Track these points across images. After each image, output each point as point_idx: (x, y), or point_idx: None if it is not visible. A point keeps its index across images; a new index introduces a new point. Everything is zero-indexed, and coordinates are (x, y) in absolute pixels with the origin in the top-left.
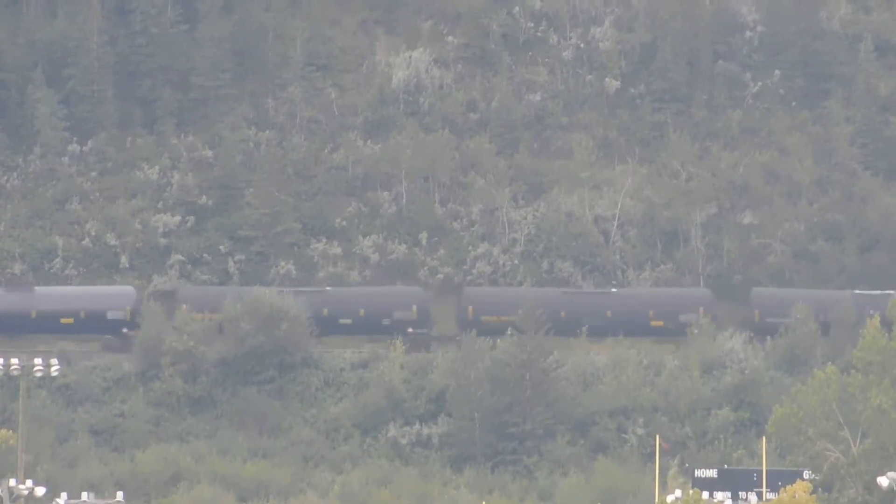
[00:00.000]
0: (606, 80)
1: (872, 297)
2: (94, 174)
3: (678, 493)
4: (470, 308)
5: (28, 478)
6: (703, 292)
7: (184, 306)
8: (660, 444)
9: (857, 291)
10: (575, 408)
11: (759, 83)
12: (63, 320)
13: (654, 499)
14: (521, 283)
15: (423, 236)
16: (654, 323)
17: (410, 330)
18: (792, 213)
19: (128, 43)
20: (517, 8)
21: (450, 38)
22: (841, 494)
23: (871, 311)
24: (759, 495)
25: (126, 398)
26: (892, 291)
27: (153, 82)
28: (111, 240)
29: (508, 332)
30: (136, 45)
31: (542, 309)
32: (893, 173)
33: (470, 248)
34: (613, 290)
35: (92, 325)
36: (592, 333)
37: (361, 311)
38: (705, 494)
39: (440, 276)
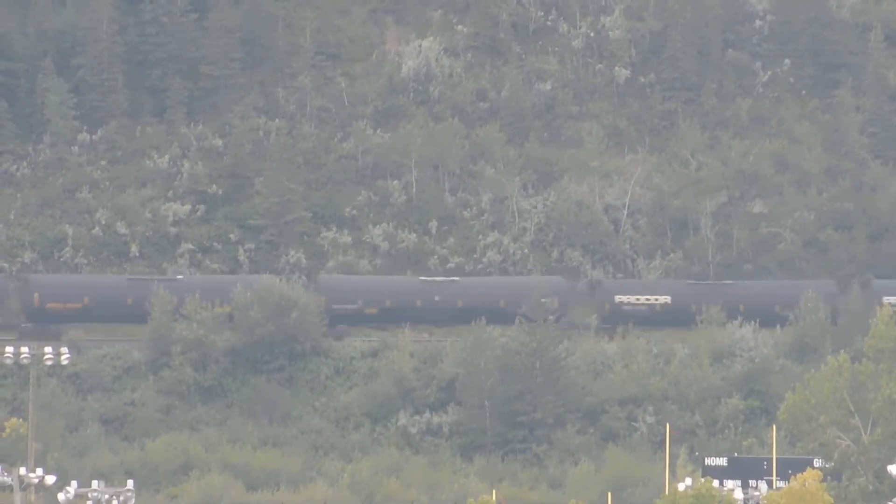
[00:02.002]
0: (616, 68)
1: (437, 283)
2: (103, 163)
3: (688, 481)
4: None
5: (38, 466)
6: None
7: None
8: (670, 431)
9: (423, 278)
10: (585, 396)
11: (769, 72)
12: None
13: (664, 487)
14: (530, 272)
15: (433, 225)
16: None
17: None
18: (801, 201)
19: (137, 32)
20: None
21: (459, 27)
22: (851, 482)
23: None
24: (769, 483)
25: (136, 387)
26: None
27: (163, 71)
28: (121, 228)
29: (518, 321)
30: (146, 34)
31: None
32: None
33: (480, 236)
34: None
35: None
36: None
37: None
38: (715, 483)
39: (450, 265)
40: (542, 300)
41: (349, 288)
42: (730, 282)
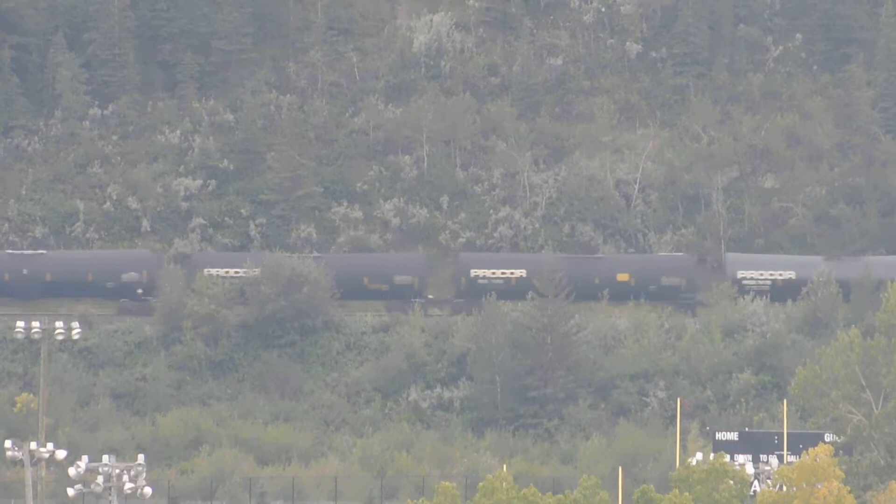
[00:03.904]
0: (628, 43)
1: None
2: (115, 138)
3: (699, 455)
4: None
5: (49, 441)
6: None
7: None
8: (681, 406)
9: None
10: (596, 371)
11: (781, 47)
12: None
13: (676, 462)
14: (542, 247)
15: (445, 200)
16: None
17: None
18: (813, 176)
19: (149, 7)
20: None
21: (471, 1)
22: (863, 457)
23: None
24: (780, 458)
25: (147, 362)
26: None
27: (174, 46)
28: (132, 203)
29: (529, 296)
30: (158, 8)
31: None
32: None
33: (491, 211)
34: None
35: None
36: None
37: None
38: (726, 458)
39: (461, 239)
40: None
41: None
42: (320, 254)
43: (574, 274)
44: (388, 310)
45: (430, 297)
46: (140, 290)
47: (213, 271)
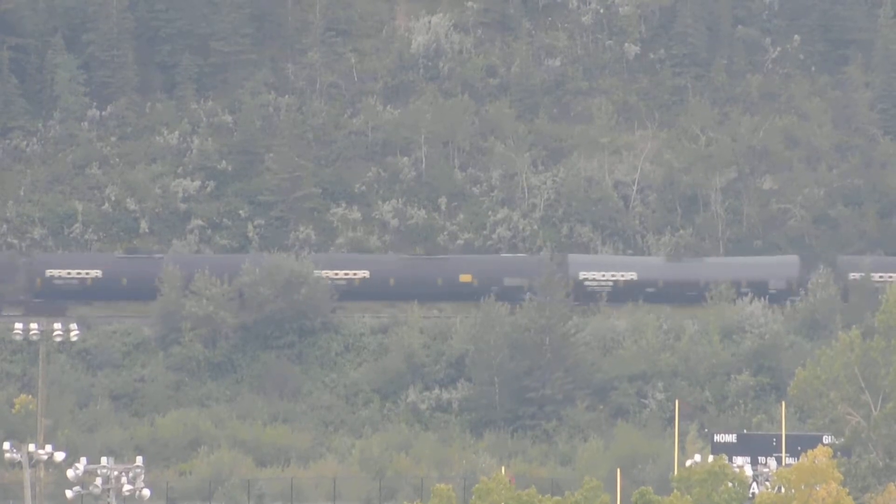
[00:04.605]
0: (626, 44)
1: None
2: (113, 139)
3: (697, 457)
4: None
5: (48, 442)
6: None
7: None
8: (681, 407)
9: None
10: (594, 373)
11: (779, 48)
12: None
13: (674, 464)
14: (540, 249)
15: (443, 201)
16: None
17: None
18: (811, 178)
19: (147, 8)
20: None
21: (469, 2)
22: (861, 459)
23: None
24: (779, 460)
25: (146, 363)
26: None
27: (173, 47)
28: (131, 205)
29: (528, 298)
30: (156, 10)
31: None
32: None
33: (489, 213)
34: None
35: None
36: None
37: None
38: (725, 459)
39: (460, 241)
40: None
41: None
42: (157, 255)
43: (416, 275)
44: None
45: None
46: None
47: (56, 272)
